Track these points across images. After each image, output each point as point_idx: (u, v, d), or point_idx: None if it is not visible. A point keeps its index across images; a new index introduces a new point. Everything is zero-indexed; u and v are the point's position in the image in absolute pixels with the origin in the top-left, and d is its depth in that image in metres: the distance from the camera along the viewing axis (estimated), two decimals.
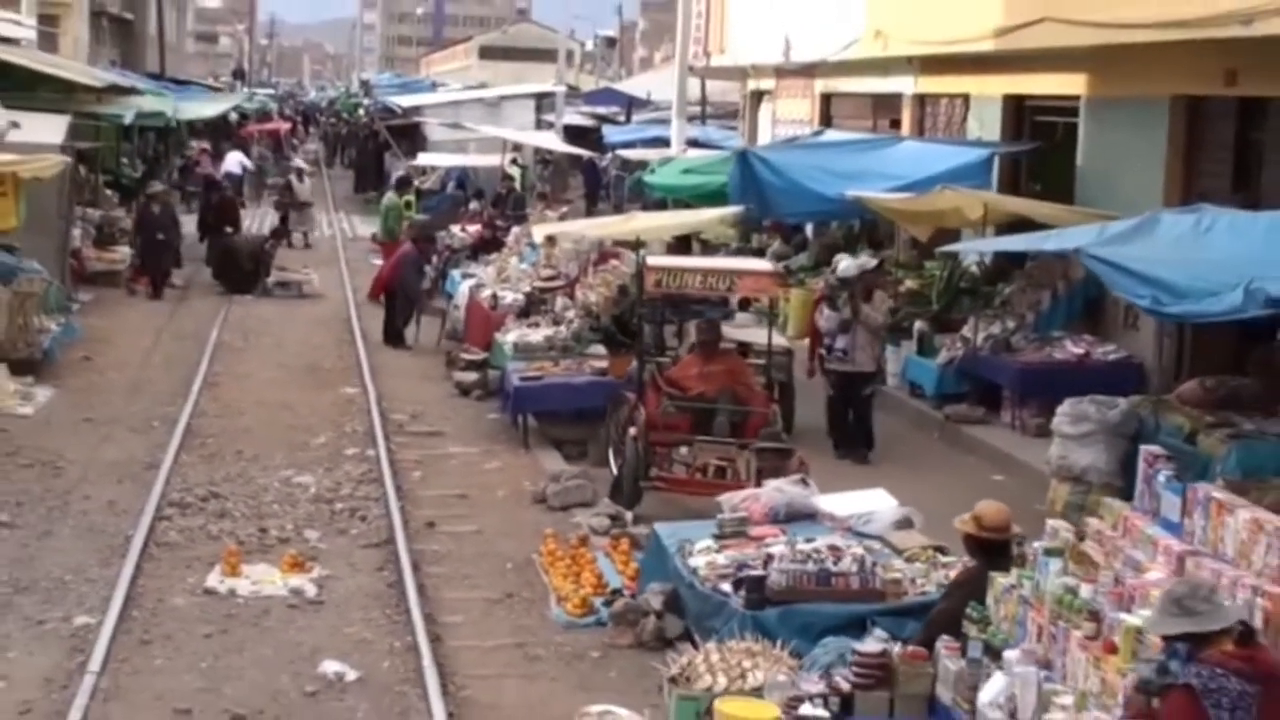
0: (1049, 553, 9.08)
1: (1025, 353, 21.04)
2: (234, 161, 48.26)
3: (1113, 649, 8.23)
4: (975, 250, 21.89)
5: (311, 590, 13.74)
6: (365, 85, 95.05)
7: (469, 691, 11.53)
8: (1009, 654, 8.86)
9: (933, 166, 22.91)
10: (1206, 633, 7.13)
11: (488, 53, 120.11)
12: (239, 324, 28.16)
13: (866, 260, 20.57)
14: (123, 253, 32.01)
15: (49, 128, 27.39)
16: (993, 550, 10.01)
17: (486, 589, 13.96)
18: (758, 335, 19.68)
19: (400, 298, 26.44)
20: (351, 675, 11.73)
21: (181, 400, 21.16)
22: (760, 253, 29.77)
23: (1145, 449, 9.87)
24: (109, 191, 37.33)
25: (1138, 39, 19.43)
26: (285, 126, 71.84)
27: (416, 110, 52.80)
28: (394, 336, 26.25)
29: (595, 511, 16.13)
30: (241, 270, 32.05)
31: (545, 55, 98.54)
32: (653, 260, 17.50)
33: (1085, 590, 8.75)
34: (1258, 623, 7.85)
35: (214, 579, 13.86)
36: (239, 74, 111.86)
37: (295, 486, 17.15)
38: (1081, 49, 21.30)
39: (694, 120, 46.51)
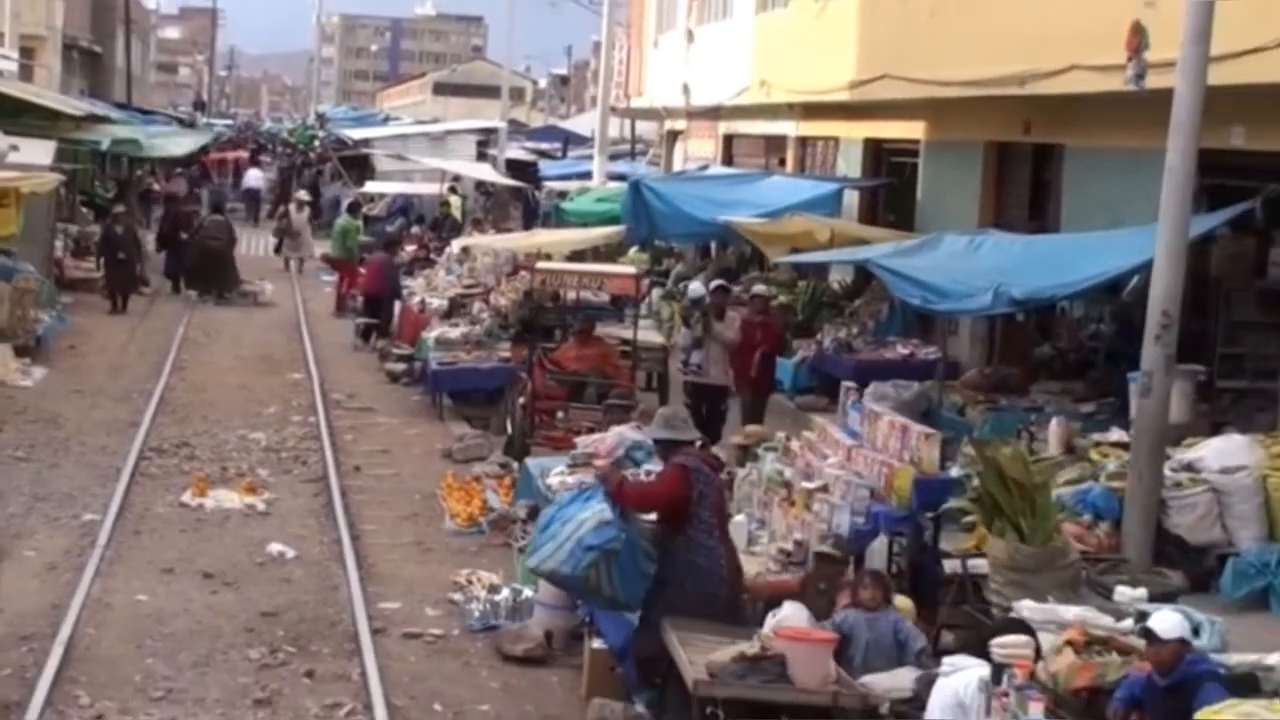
0: (768, 449, 13.38)
1: (862, 353, 25.21)
2: (254, 178, 53.12)
3: (790, 502, 12.52)
4: (790, 262, 26.19)
5: (262, 506, 17.94)
6: (321, 118, 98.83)
7: (377, 568, 15.72)
8: (738, 518, 13.13)
9: (792, 197, 27.28)
10: (679, 440, 11.40)
11: (441, 88, 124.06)
12: (202, 325, 32.29)
13: (709, 284, 24.53)
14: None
15: (39, 151, 31.50)
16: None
17: (397, 510, 18.15)
18: (647, 336, 24.04)
19: (388, 296, 30.44)
20: (291, 554, 15.94)
21: (155, 379, 25.27)
22: (666, 273, 34.12)
23: (845, 384, 14.21)
24: (84, 210, 41.43)
25: (953, 94, 23.79)
26: (244, 155, 75.76)
27: (366, 142, 57.04)
28: (371, 333, 30.14)
29: (489, 462, 20.30)
30: (220, 269, 35.91)
31: (496, 92, 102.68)
32: (540, 265, 21.81)
33: (788, 472, 13.04)
34: (882, 484, 12.17)
35: (187, 497, 18.04)
36: (199, 104, 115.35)
37: (250, 441, 21.33)
38: (916, 101, 25.67)
39: (623, 157, 50.97)
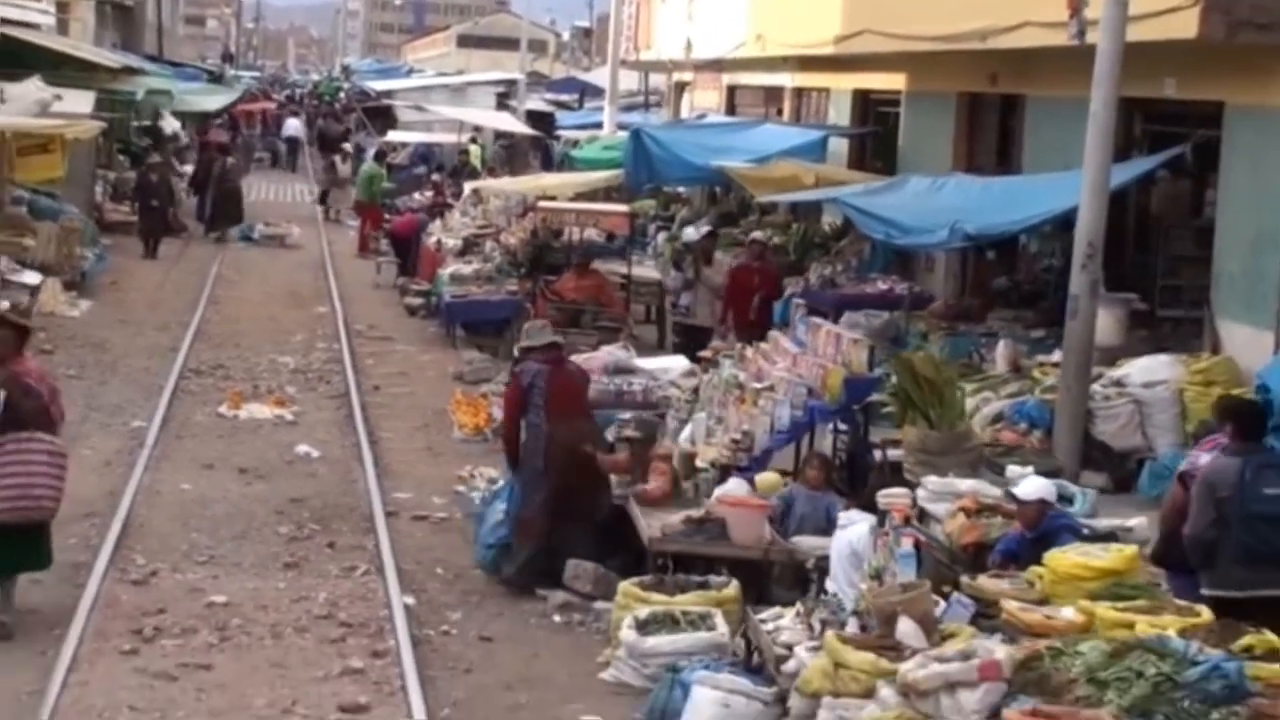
0: (726, 357, 15.49)
1: (845, 288, 27.17)
2: (293, 127, 55.50)
3: (742, 400, 14.64)
4: (772, 201, 28.20)
5: (290, 417, 20.12)
6: (346, 70, 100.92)
7: (391, 466, 17.86)
8: (698, 415, 15.25)
9: (781, 144, 29.25)
10: (532, 345, 14.17)
11: (465, 41, 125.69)
12: (233, 264, 34.46)
13: (702, 228, 26.74)
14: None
15: (80, 101, 33.62)
16: None
17: (411, 422, 20.28)
18: (644, 272, 26.23)
19: (415, 240, 32.61)
20: (315, 454, 18.11)
21: (191, 312, 27.45)
22: (672, 218, 36.19)
23: (795, 302, 16.30)
24: (121, 157, 43.58)
25: (926, 48, 25.76)
26: (271, 107, 77.94)
27: (389, 94, 59.16)
28: (405, 273, 32.33)
29: (495, 382, 22.41)
30: (237, 207, 38.63)
31: (519, 44, 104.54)
32: (542, 204, 23.92)
33: (741, 376, 15.15)
34: (818, 384, 14.27)
35: (223, 409, 20.23)
36: (227, 57, 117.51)
37: (279, 364, 23.51)
38: (895, 54, 27.62)
39: (638, 109, 52.99)
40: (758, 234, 27.71)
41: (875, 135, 31.30)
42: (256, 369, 23.05)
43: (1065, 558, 10.82)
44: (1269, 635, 9.51)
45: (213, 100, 53.37)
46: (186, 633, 12.30)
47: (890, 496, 12.29)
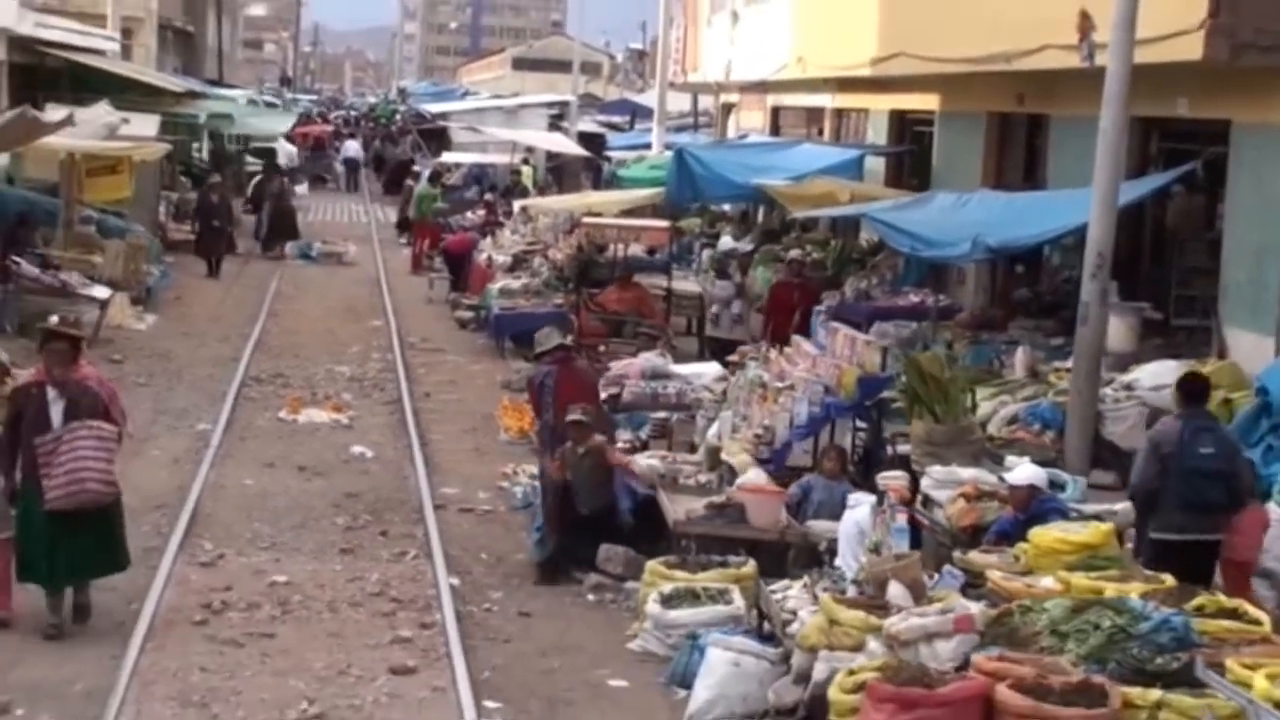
0: (752, 360, 16.61)
1: (879, 300, 28.28)
2: (352, 149, 57.31)
3: (765, 398, 15.76)
4: (808, 216, 29.32)
5: (346, 421, 21.34)
6: (402, 93, 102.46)
7: (440, 465, 19.03)
8: (724, 413, 16.37)
9: (819, 162, 30.39)
10: (542, 350, 15.34)
11: (520, 63, 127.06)
12: (292, 280, 35.77)
13: (745, 243, 27.82)
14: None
15: (145, 124, 35.04)
16: None
17: (460, 425, 21.46)
18: (685, 286, 27.41)
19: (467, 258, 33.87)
20: (369, 454, 19.31)
21: (251, 325, 28.72)
22: (717, 235, 37.34)
23: (817, 310, 17.40)
24: (183, 179, 45.03)
25: (957, 70, 26.85)
26: (328, 130, 79.49)
27: (444, 116, 60.54)
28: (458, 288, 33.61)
29: None
30: (290, 224, 40.24)
31: (572, 67, 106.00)
32: (586, 219, 25.10)
33: (765, 376, 16.27)
34: (834, 382, 15.38)
35: (283, 414, 21.46)
36: (285, 80, 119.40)
37: (336, 373, 24.74)
38: (929, 76, 28.73)
39: (687, 129, 54.20)
40: (795, 252, 28.85)
41: (911, 154, 32.40)
42: (314, 377, 24.27)
43: (1047, 534, 11.91)
44: (1220, 596, 10.59)
45: (271, 123, 54.79)
46: (251, 607, 13.50)
47: (888, 478, 13.41)
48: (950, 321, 25.08)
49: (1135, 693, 9.08)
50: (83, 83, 37.96)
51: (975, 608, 10.07)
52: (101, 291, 26.27)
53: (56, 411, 12.55)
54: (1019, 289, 25.41)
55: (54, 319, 13.76)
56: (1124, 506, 13.61)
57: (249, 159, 52.80)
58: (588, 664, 12.69)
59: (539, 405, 15.43)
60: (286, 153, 55.84)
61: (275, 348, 26.78)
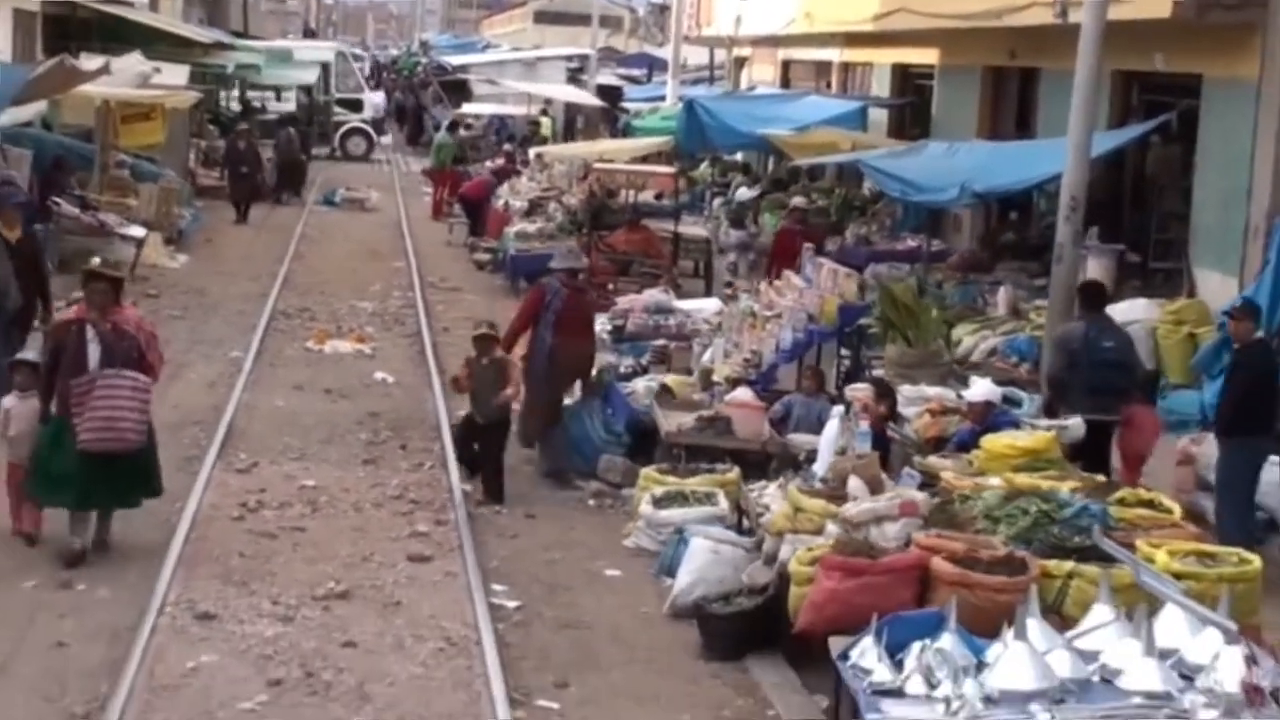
0: (745, 293, 18.00)
1: (878, 245, 29.67)
2: (376, 100, 59.51)
3: (754, 326, 17.16)
4: (808, 164, 30.67)
5: (369, 351, 22.76)
6: (424, 45, 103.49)
7: None
8: (716, 340, 17.77)
9: (822, 114, 31.73)
10: (562, 266, 16.28)
11: (541, 17, 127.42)
12: (317, 225, 37.19)
13: (754, 190, 29.13)
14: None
15: (176, 74, 36.40)
16: None
17: None
18: (692, 230, 28.80)
19: (484, 202, 35.23)
20: (391, 379, 20.76)
21: (279, 265, 30.14)
22: (727, 184, 38.70)
23: (806, 248, 18.79)
24: (211, 127, 46.44)
25: (953, 25, 28.15)
26: None
27: (464, 68, 61.85)
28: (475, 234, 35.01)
29: None
30: (298, 173, 41.96)
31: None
32: (597, 165, 26.48)
33: (756, 307, 17.66)
34: (817, 311, 16.77)
35: (310, 344, 22.90)
36: (308, 32, 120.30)
37: (359, 308, 26.17)
38: (929, 31, 30.03)
39: (703, 82, 55.45)
40: (798, 199, 30.21)
41: (912, 106, 33.72)
42: (339, 312, 25.70)
43: (997, 440, 13.32)
44: (1141, 491, 12.02)
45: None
46: (284, 506, 14.96)
47: (855, 389, 14.83)
48: (942, 264, 26.49)
49: (1051, 564, 10.48)
50: (113, 34, 39.25)
51: (920, 496, 11.47)
52: (137, 231, 27.69)
53: (94, 352, 12.94)
54: (1006, 234, 26.76)
55: (95, 260, 14.20)
56: (1074, 421, 14.99)
57: (337, 109, 55.60)
58: (586, 557, 14.12)
59: (535, 314, 16.57)
60: (373, 104, 57.14)
61: (302, 286, 28.19)
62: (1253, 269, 20.25)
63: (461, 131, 48.11)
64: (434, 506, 15.20)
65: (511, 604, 12.80)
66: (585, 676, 11.45)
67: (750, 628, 11.85)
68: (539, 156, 32.45)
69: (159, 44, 40.85)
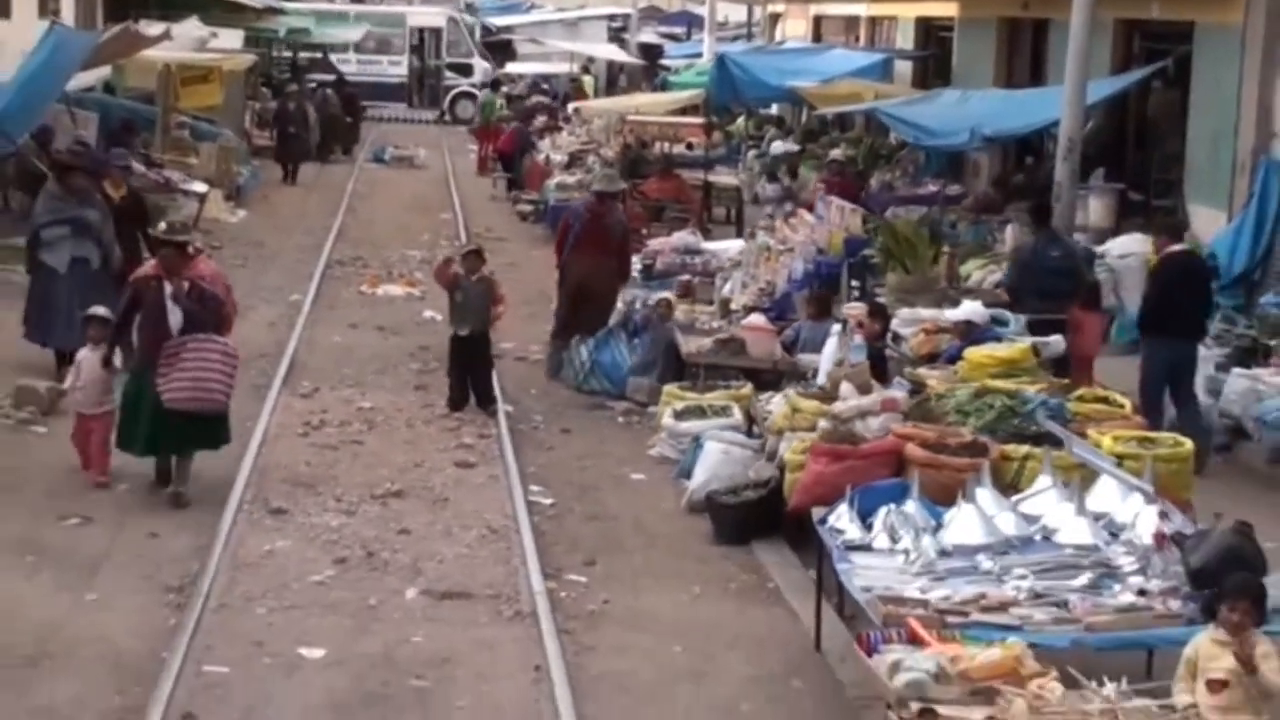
0: (762, 230, 19.59)
1: (900, 190, 31.20)
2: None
3: (769, 259, 18.77)
4: (832, 112, 32.19)
5: (418, 293, 24.44)
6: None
7: (501, 326, 21.96)
8: (735, 272, 19.37)
9: (847, 66, 33.28)
10: (607, 191, 18.08)
11: None
12: (367, 182, 38.95)
13: (790, 145, 30.72)
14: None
15: (231, 38, 38.19)
16: None
17: (518, 297, 24.10)
18: (724, 179, 30.45)
19: (518, 154, 36.92)
20: (439, 318, 22.31)
21: (332, 218, 31.89)
22: (761, 137, 40.25)
23: (817, 185, 20.35)
24: (264, 89, 48.20)
25: None
26: None
27: (508, 29, 63.50)
28: (509, 186, 36.70)
29: None
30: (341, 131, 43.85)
31: None
32: (631, 118, 28.10)
33: (771, 242, 19.26)
34: (826, 244, 18.36)
35: (364, 288, 24.61)
36: None
37: (408, 256, 27.88)
38: None
39: (741, 38, 56.97)
40: (836, 153, 31.75)
41: (934, 58, 35.18)
42: (390, 260, 27.42)
43: (978, 351, 14.87)
44: (1097, 389, 13.62)
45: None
46: (343, 424, 16.68)
47: (850, 308, 16.42)
48: (958, 206, 28.02)
49: (1010, 448, 12.08)
50: (168, 1, 41.03)
51: (901, 395, 13.09)
52: (200, 187, 29.43)
53: (175, 318, 13.57)
54: (1016, 176, 28.24)
55: (162, 225, 14.75)
56: (1056, 339, 16.55)
57: (447, 74, 57.91)
58: (614, 464, 15.80)
59: (564, 238, 18.47)
60: (481, 68, 58.79)
61: (354, 237, 29.92)
62: (1239, 203, 21.74)
63: (504, 89, 49.90)
64: (478, 424, 16.89)
65: (546, 501, 14.47)
66: (610, 557, 13.11)
67: (755, 516, 13.49)
68: (578, 111, 34.11)
69: (214, 9, 42.60)
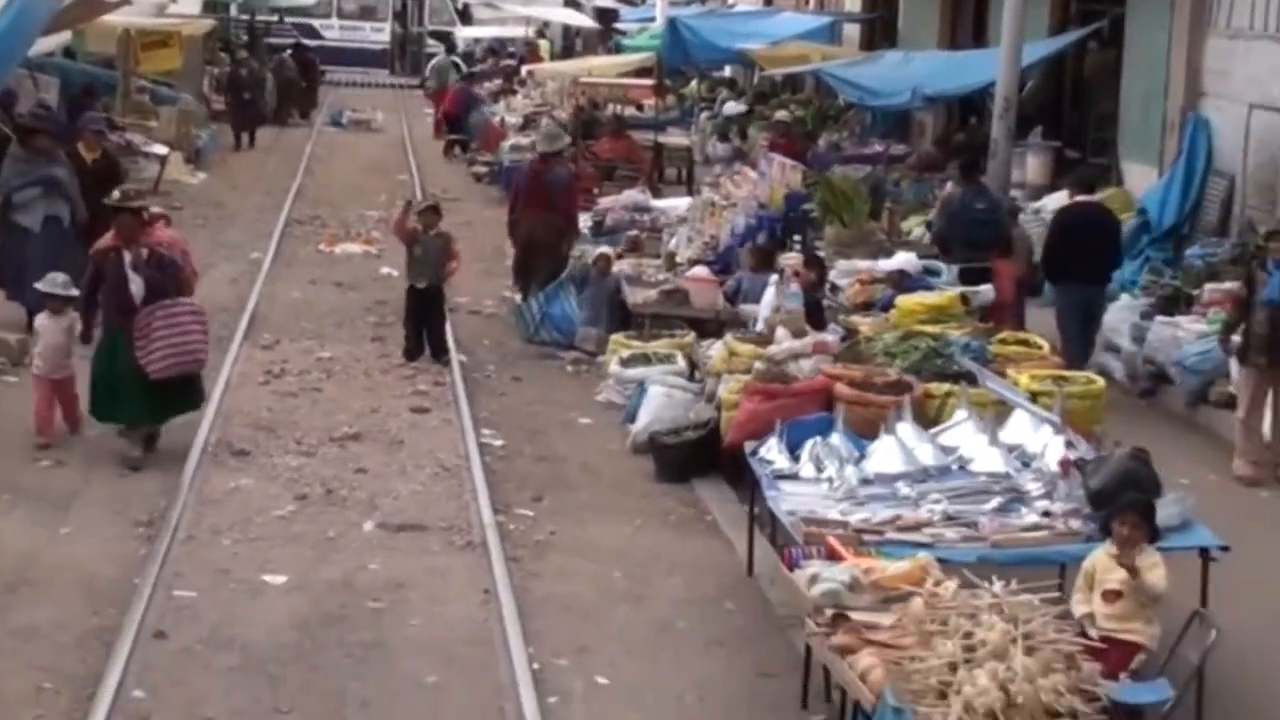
0: (708, 185, 20.28)
1: (847, 150, 31.91)
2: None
3: (713, 215, 19.48)
4: (778, 73, 32.89)
5: (375, 251, 25.10)
6: None
7: (455, 282, 22.62)
8: (680, 228, 20.08)
9: (796, 29, 34.00)
10: (550, 151, 19.15)
11: None
12: (325, 144, 39.55)
13: (740, 106, 31.41)
14: None
15: (189, 3, 38.72)
16: None
17: (472, 255, 24.76)
18: (675, 140, 31.13)
19: (464, 115, 37.59)
20: (395, 274, 22.99)
21: (291, 179, 32.52)
22: (714, 99, 40.92)
23: (761, 145, 21.08)
24: (222, 54, 48.65)
25: None
26: None
27: None
28: (454, 145, 37.38)
29: None
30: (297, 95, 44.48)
31: None
32: (583, 80, 28.76)
33: (715, 198, 19.98)
34: (768, 199, 19.08)
35: (322, 246, 25.27)
36: None
37: (366, 216, 28.53)
38: None
39: (693, 3, 57.59)
40: (781, 114, 32.42)
41: (881, 20, 35.89)
42: (347, 220, 28.08)
43: (909, 299, 15.68)
44: (1021, 334, 14.41)
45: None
46: (303, 373, 17.38)
47: (787, 258, 17.17)
48: (902, 164, 28.76)
49: (933, 386, 12.84)
50: None
51: (832, 338, 13.84)
52: (160, 150, 30.01)
53: (136, 285, 13.79)
54: (957, 135, 28.98)
55: (116, 194, 14.72)
56: (986, 288, 17.34)
57: (429, 41, 58.02)
58: (563, 410, 16.53)
59: (515, 196, 19.23)
60: (464, 37, 58.95)
61: (313, 198, 30.55)
62: (1169, 160, 22.51)
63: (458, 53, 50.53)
64: (432, 373, 17.60)
65: (497, 443, 15.21)
66: (557, 494, 13.86)
67: (695, 455, 14.25)
68: (532, 74, 34.78)
69: None
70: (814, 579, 9.20)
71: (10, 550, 11.90)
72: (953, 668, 7.45)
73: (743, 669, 10.39)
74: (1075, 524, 10.19)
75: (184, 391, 14.28)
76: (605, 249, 19.66)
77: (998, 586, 8.11)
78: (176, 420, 14.77)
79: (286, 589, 11.33)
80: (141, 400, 13.96)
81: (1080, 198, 17.70)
